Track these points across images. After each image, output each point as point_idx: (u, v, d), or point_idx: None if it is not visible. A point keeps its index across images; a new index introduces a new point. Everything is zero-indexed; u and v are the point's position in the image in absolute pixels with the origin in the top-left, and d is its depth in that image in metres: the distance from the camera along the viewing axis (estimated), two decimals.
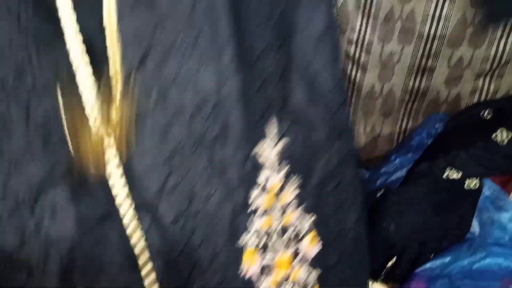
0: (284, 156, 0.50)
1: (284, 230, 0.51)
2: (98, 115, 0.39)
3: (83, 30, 0.38)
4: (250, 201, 0.48)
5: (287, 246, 0.51)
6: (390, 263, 0.73)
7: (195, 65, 0.43)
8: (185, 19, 0.42)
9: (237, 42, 0.45)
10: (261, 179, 0.49)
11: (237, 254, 0.47)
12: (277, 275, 0.50)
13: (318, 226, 0.53)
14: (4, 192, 0.40)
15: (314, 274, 0.53)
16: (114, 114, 0.40)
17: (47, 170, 0.41)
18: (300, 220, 0.52)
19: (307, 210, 0.52)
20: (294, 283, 0.51)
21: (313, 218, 0.52)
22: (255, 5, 0.46)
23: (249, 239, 0.48)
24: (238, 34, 0.45)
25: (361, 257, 0.60)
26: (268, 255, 0.49)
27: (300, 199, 0.52)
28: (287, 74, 0.50)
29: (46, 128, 0.40)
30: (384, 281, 0.74)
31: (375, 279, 0.74)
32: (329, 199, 0.54)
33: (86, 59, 0.38)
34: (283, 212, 0.51)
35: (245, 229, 0.48)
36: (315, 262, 0.53)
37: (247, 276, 0.48)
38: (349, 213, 0.57)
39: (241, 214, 0.47)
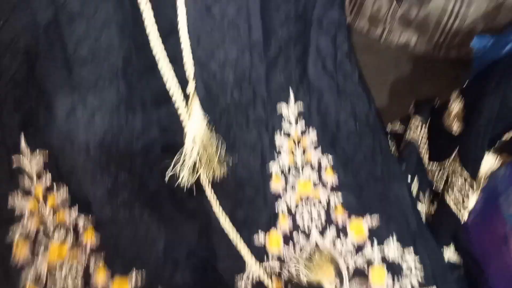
0: (301, 114, 0.72)
1: (305, 165, 0.72)
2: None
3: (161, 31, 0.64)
4: (275, 143, 0.71)
5: (308, 176, 0.72)
6: (507, 134, 0.75)
7: (235, 54, 0.68)
8: (231, 23, 0.66)
9: (266, 38, 0.68)
10: (283, 128, 0.72)
11: (267, 178, 0.71)
12: (300, 193, 0.72)
13: (334, 163, 0.72)
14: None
15: (336, 197, 0.71)
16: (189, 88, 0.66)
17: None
18: (319, 158, 0.72)
19: (324, 151, 0.72)
20: (315, 201, 0.71)
21: (330, 156, 0.72)
22: (281, 8, 0.68)
23: (275, 168, 0.71)
24: (267, 32, 0.68)
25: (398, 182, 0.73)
26: (291, 180, 0.72)
27: (317, 143, 0.72)
28: (305, 57, 0.72)
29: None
30: (499, 152, 0.75)
31: (489, 149, 0.76)
32: (345, 145, 0.73)
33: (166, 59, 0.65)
34: (303, 152, 0.72)
35: (272, 160, 0.71)
36: (336, 188, 0.71)
37: (275, 193, 0.71)
38: (374, 157, 0.73)
39: (269, 151, 0.71)
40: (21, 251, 0.66)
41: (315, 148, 0.72)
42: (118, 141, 0.66)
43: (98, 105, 0.66)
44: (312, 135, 0.72)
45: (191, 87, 0.66)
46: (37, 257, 0.66)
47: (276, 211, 0.71)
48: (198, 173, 0.68)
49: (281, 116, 0.71)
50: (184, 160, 0.68)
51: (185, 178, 0.68)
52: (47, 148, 0.66)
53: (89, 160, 0.64)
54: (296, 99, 0.71)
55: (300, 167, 0.72)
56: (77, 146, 0.64)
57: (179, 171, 0.67)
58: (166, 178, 0.67)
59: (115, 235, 0.68)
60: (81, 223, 0.67)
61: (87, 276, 0.67)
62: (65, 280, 0.67)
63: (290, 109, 0.71)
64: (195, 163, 0.68)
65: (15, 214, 0.67)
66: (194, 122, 0.67)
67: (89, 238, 0.68)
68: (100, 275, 0.67)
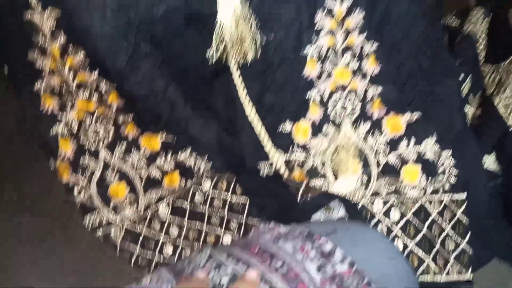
0: None
1: (345, 50, 0.64)
2: None
3: None
4: (315, 21, 0.63)
5: (347, 62, 0.65)
6: None
7: None
8: None
9: None
10: (327, 4, 0.62)
11: (301, 61, 0.64)
12: (335, 81, 0.65)
13: (379, 52, 0.64)
14: None
15: (374, 89, 0.65)
16: None
17: None
18: (362, 45, 0.64)
19: (370, 37, 0.64)
20: (351, 91, 0.65)
21: (375, 44, 0.64)
22: None
23: (312, 50, 0.64)
24: None
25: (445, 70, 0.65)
26: (328, 65, 0.65)
27: (363, 27, 0.63)
28: None
29: None
30: None
31: None
32: (393, 30, 0.63)
33: None
34: (347, 35, 0.64)
35: (309, 42, 0.64)
36: (376, 80, 0.65)
37: (308, 78, 0.65)
38: (425, 46, 0.64)
39: (307, 31, 0.63)
40: (49, 102, 0.67)
41: (360, 32, 0.63)
42: (138, 4, 0.59)
43: None
44: (358, 16, 0.63)
45: None
46: (65, 112, 0.67)
47: (307, 99, 0.65)
48: (227, 52, 0.62)
49: None
50: (213, 36, 0.61)
51: (212, 55, 0.62)
52: (59, 6, 0.60)
53: (106, 23, 0.58)
54: None
55: (340, 52, 0.64)
56: (92, 6, 0.58)
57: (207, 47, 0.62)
58: (191, 54, 0.62)
59: (139, 105, 0.65)
60: (103, 86, 0.65)
61: (117, 126, 0.68)
62: (96, 127, 0.68)
63: None
64: (224, 40, 0.61)
65: (36, 68, 0.65)
66: (228, 4, 0.59)
67: (114, 100, 0.66)
68: (130, 128, 0.68)
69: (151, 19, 0.59)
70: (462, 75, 0.72)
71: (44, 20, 0.61)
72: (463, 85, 0.71)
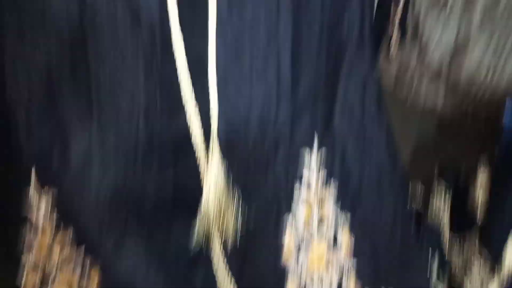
0: (322, 162, 0.65)
1: (320, 222, 0.65)
2: None
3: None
4: (294, 195, 0.64)
5: (323, 237, 0.65)
6: None
7: (262, 90, 0.61)
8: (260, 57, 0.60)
9: (295, 75, 0.61)
10: (304, 175, 0.64)
11: (279, 248, 0.64)
12: (312, 262, 0.64)
13: (352, 223, 0.65)
14: None
15: (349, 264, 0.65)
16: None
17: None
18: (335, 216, 0.65)
19: (342, 208, 0.65)
20: (327, 276, 0.65)
21: (347, 214, 0.65)
22: (313, 46, 0.62)
23: (288, 233, 0.64)
24: (297, 70, 0.61)
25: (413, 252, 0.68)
26: (304, 244, 0.64)
27: (336, 198, 0.65)
28: (332, 101, 0.66)
29: None
30: None
31: None
32: (370, 202, 0.66)
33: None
34: (322, 206, 0.65)
35: (288, 217, 0.64)
36: (352, 254, 0.65)
37: (285, 267, 0.64)
38: (395, 222, 0.67)
39: (285, 203, 0.64)
40: (32, 278, 0.64)
41: (335, 203, 0.65)
42: (128, 199, 0.60)
43: (113, 160, 0.60)
44: (331, 187, 0.65)
45: (214, 129, 0.60)
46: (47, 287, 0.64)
47: None
48: (211, 233, 0.62)
49: (303, 164, 0.64)
50: (197, 224, 0.62)
51: (195, 244, 0.62)
52: (56, 187, 0.62)
53: (97, 212, 0.60)
54: (320, 145, 0.64)
55: (316, 227, 0.65)
56: (86, 197, 0.60)
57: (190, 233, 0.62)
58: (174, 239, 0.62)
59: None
60: (87, 262, 0.63)
61: None
62: None
63: (313, 156, 0.64)
64: (208, 220, 0.61)
65: (25, 248, 0.64)
66: (213, 179, 0.60)
67: (96, 275, 0.63)
68: None
69: (141, 211, 0.61)
70: (430, 250, 0.75)
71: (41, 199, 0.62)
72: (432, 264, 0.74)
